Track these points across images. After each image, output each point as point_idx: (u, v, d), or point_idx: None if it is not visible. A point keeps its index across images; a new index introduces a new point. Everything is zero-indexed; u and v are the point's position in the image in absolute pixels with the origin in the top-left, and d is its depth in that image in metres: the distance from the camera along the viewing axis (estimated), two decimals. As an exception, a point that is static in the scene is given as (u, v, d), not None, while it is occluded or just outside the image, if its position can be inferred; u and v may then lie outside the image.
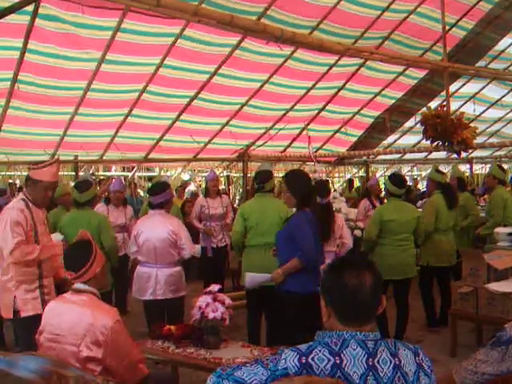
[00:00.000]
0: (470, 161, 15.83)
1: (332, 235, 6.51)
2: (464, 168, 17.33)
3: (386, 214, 6.71)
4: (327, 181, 9.93)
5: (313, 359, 2.11)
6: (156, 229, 5.80)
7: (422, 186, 16.28)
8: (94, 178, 10.61)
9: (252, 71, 10.02)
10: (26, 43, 7.63)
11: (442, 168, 16.95)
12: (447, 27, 9.58)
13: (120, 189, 8.17)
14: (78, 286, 3.47)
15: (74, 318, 3.31)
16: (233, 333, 6.82)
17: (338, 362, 2.11)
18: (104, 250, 6.15)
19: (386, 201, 8.83)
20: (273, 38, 6.21)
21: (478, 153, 15.07)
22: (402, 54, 9.23)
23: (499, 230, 6.92)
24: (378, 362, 2.14)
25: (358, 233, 7.96)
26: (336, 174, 15.48)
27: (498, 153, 15.99)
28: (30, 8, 7.06)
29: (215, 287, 4.57)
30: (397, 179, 6.96)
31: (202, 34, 8.64)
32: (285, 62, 10.04)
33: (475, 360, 2.70)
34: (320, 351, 2.13)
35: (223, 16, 5.70)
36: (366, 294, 2.16)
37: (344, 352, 2.12)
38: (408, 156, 15.13)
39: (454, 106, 11.93)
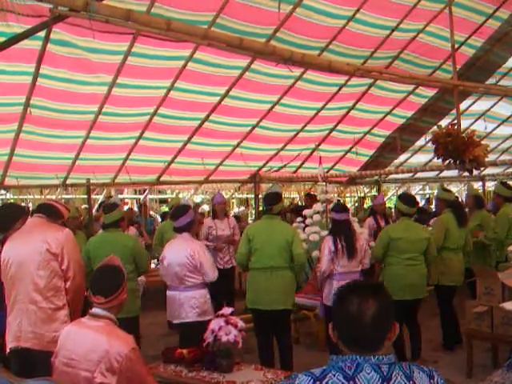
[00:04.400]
0: (482, 178, 15.73)
1: (357, 254, 6.51)
2: (476, 186, 17.26)
3: (393, 233, 6.73)
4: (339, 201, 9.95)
5: (327, 384, 2.09)
6: (176, 253, 5.86)
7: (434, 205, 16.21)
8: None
9: (262, 93, 10.04)
10: (38, 68, 7.70)
11: (454, 186, 16.96)
12: (456, 45, 9.60)
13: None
14: (97, 311, 3.46)
15: (90, 344, 3.30)
16: (245, 355, 6.78)
17: (352, 386, 2.08)
18: (139, 272, 6.25)
19: (393, 220, 8.83)
20: (282, 59, 6.25)
21: (490, 170, 14.99)
22: (411, 74, 9.25)
23: (513, 248, 6.87)
24: None
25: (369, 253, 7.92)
26: (348, 194, 15.43)
27: (510, 169, 15.89)
28: (42, 33, 7.13)
29: (228, 310, 4.56)
30: (407, 198, 6.98)
31: (212, 56, 8.68)
32: (295, 83, 10.06)
33: (491, 382, 2.67)
34: (334, 375, 2.11)
35: (232, 39, 5.73)
36: (366, 324, 2.11)
37: (358, 376, 2.09)
38: (420, 175, 15.07)
39: (464, 123, 11.92)
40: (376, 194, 14.50)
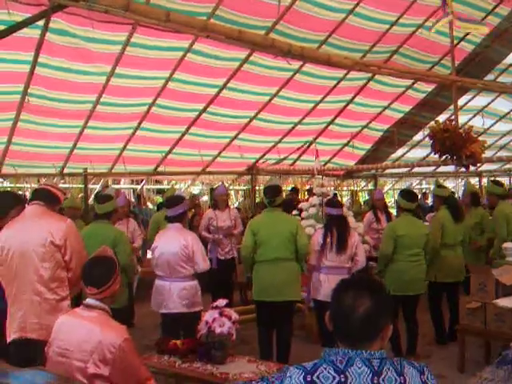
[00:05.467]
0: (479, 174, 15.78)
1: (346, 249, 6.52)
2: (473, 181, 17.30)
3: (398, 229, 6.74)
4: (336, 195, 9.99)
5: (318, 377, 2.11)
6: (170, 243, 5.85)
7: (431, 200, 16.24)
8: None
9: (261, 85, 10.05)
10: (36, 57, 7.69)
11: (450, 181, 16.96)
12: (455, 41, 9.59)
13: (124, 204, 8.29)
14: (90, 301, 3.47)
15: (83, 335, 3.31)
16: (240, 347, 6.82)
17: (343, 380, 2.10)
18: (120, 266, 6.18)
19: (394, 215, 8.85)
20: (281, 52, 6.25)
21: (487, 166, 15.02)
22: (409, 68, 9.27)
23: (507, 245, 6.88)
24: (384, 380, 2.12)
25: (365, 247, 7.93)
26: (345, 188, 15.45)
27: (507, 166, 15.93)
28: (41, 22, 7.11)
29: (222, 302, 4.57)
30: (408, 194, 7.02)
31: (211, 48, 8.68)
32: (293, 75, 10.06)
33: (481, 379, 2.69)
34: (325, 369, 2.12)
35: (232, 31, 5.73)
36: (357, 318, 2.13)
37: (349, 370, 2.11)
38: (417, 169, 15.10)
39: (462, 119, 11.96)
40: (373, 188, 14.51)
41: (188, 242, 5.83)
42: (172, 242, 5.81)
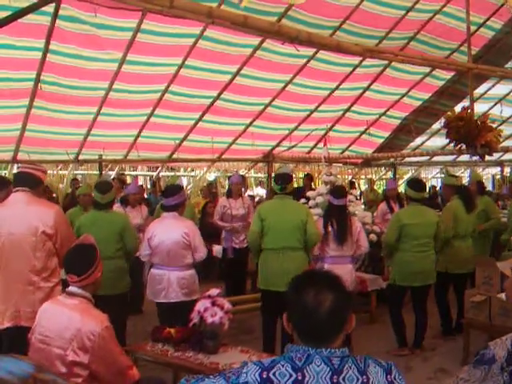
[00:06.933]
0: (500, 163, 15.54)
1: (349, 238, 6.44)
2: (495, 171, 17.04)
3: (404, 218, 6.60)
4: (349, 183, 9.87)
5: (274, 374, 2.05)
6: (170, 231, 5.77)
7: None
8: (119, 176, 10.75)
9: (274, 72, 9.97)
10: (47, 44, 7.73)
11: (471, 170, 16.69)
12: (475, 27, 9.38)
13: (136, 192, 8.22)
14: (72, 289, 3.46)
15: (64, 322, 3.31)
16: (244, 335, 6.81)
17: (300, 378, 2.04)
18: (126, 251, 6.15)
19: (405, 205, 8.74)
20: (289, 39, 6.16)
21: (509, 155, 14.76)
22: (424, 55, 9.07)
23: (519, 236, 6.75)
24: (344, 379, 2.06)
25: (373, 237, 7.84)
26: (362, 176, 15.30)
27: (529, 155, 15.65)
28: (51, 9, 7.14)
29: (215, 291, 4.54)
30: (415, 184, 6.86)
31: (222, 34, 8.61)
32: (307, 62, 9.96)
33: (457, 379, 2.62)
34: (283, 366, 2.07)
35: (237, 17, 5.65)
36: (322, 316, 2.06)
37: (307, 368, 2.05)
38: (437, 158, 14.87)
39: (482, 107, 11.74)
40: (392, 176, 14.36)
41: (189, 230, 5.78)
42: (172, 230, 5.76)
